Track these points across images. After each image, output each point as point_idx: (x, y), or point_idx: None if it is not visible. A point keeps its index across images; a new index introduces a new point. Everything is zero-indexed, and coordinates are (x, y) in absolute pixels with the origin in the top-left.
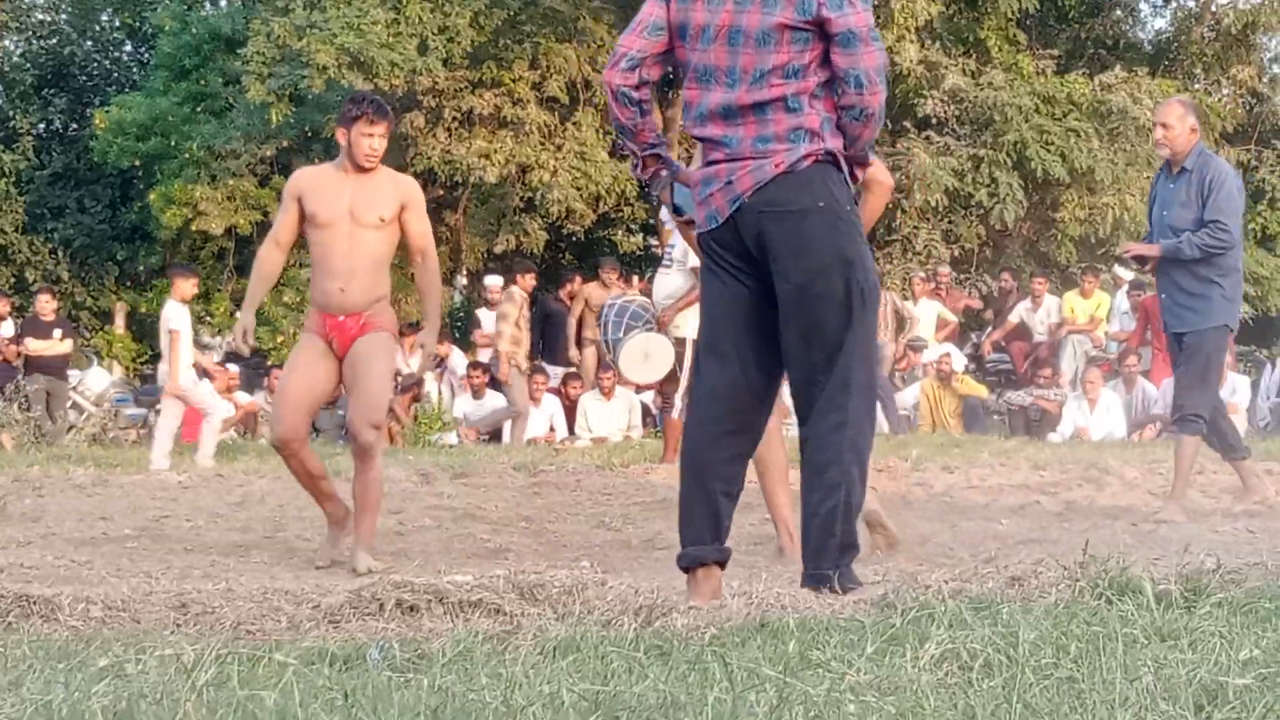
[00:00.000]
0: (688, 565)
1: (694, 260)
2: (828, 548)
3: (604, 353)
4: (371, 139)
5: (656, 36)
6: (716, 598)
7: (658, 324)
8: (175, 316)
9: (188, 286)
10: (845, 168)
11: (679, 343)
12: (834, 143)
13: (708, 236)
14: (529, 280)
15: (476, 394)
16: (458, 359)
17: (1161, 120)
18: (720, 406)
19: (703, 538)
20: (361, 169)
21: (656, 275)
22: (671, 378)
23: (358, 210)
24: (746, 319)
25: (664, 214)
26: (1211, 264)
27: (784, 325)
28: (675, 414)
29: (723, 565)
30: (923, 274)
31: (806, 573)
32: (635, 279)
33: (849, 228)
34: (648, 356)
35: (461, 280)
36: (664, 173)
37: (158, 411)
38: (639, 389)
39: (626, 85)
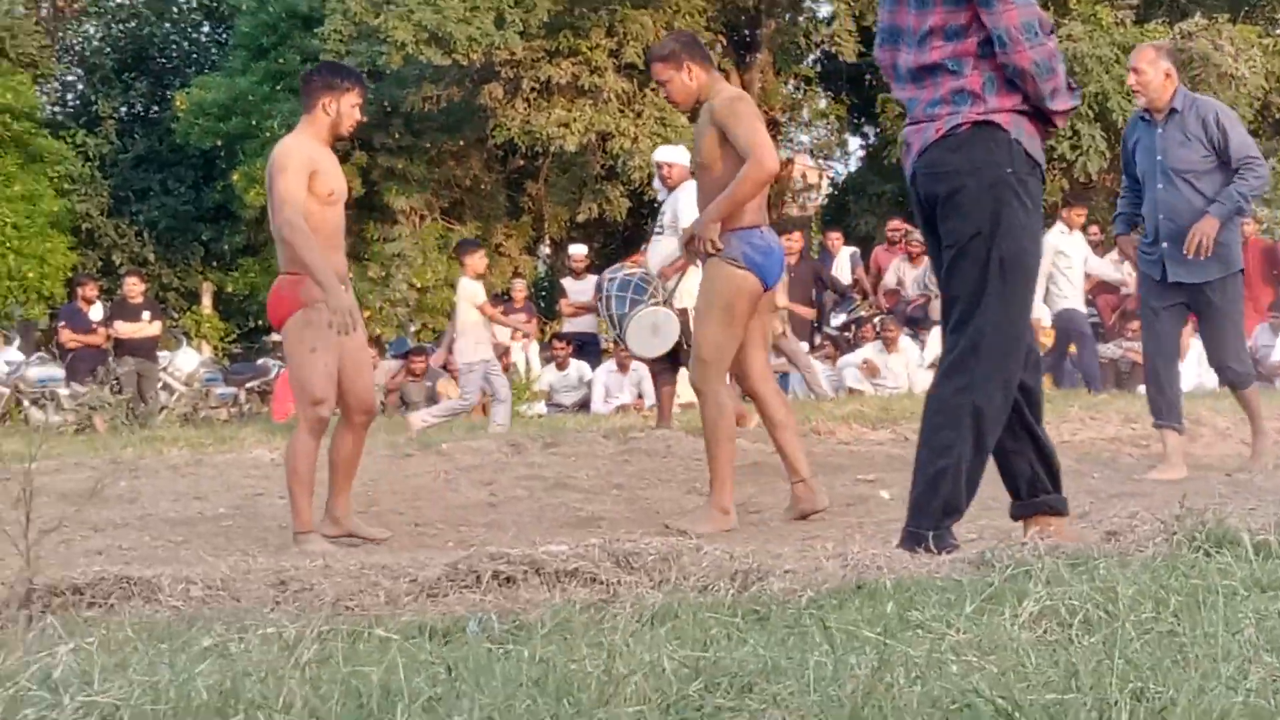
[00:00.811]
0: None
1: (686, 224)
2: (930, 507)
3: (608, 325)
4: (357, 110)
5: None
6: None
7: (659, 281)
8: (475, 292)
9: (478, 261)
10: (1015, 127)
11: (682, 313)
12: (1001, 102)
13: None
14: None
15: (560, 365)
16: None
17: (1134, 65)
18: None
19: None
20: (337, 140)
21: (650, 243)
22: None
23: (341, 186)
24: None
25: (655, 184)
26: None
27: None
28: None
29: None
30: None
31: (906, 529)
32: None
33: (1005, 191)
34: (656, 330)
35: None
36: None
37: (248, 390)
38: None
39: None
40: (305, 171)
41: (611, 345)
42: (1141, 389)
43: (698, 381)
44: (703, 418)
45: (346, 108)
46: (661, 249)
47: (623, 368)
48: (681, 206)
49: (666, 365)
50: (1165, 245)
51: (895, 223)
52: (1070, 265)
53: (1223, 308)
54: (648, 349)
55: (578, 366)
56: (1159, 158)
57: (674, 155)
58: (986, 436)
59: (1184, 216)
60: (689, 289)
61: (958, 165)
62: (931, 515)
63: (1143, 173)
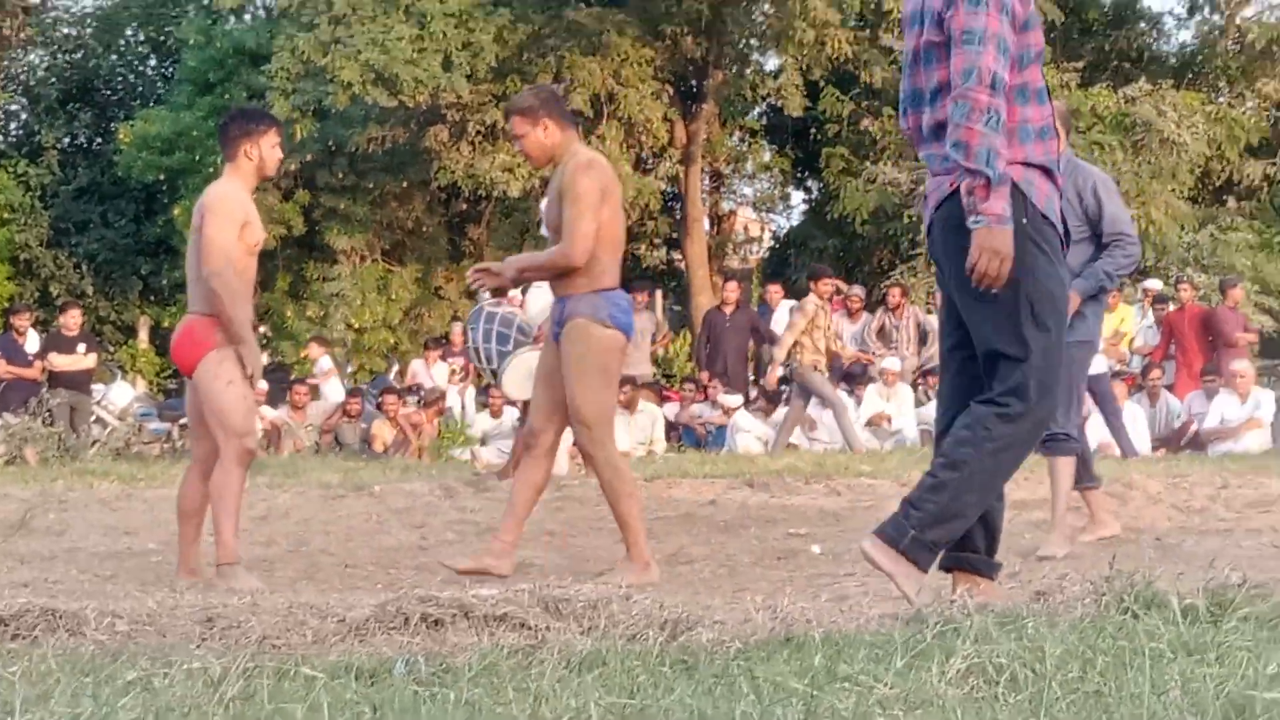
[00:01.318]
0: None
1: None
2: (921, 507)
3: (473, 361)
4: (278, 149)
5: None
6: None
7: (536, 340)
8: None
9: (824, 287)
10: (1025, 180)
11: None
12: (1012, 154)
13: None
14: (823, 286)
15: (494, 413)
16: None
17: None
18: None
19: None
20: (264, 180)
21: (531, 290)
22: None
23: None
24: None
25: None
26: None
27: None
28: None
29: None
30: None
31: (884, 522)
32: (659, 293)
33: (1023, 240)
34: (532, 374)
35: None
36: None
37: (182, 426)
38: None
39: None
40: (238, 222)
41: (620, 388)
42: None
43: (587, 446)
44: (600, 481)
45: (267, 150)
46: (543, 297)
47: (630, 408)
48: None
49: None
50: None
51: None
52: None
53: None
54: (524, 391)
55: (510, 414)
56: None
57: None
58: (1000, 474)
59: None
60: None
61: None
62: (917, 518)
63: None
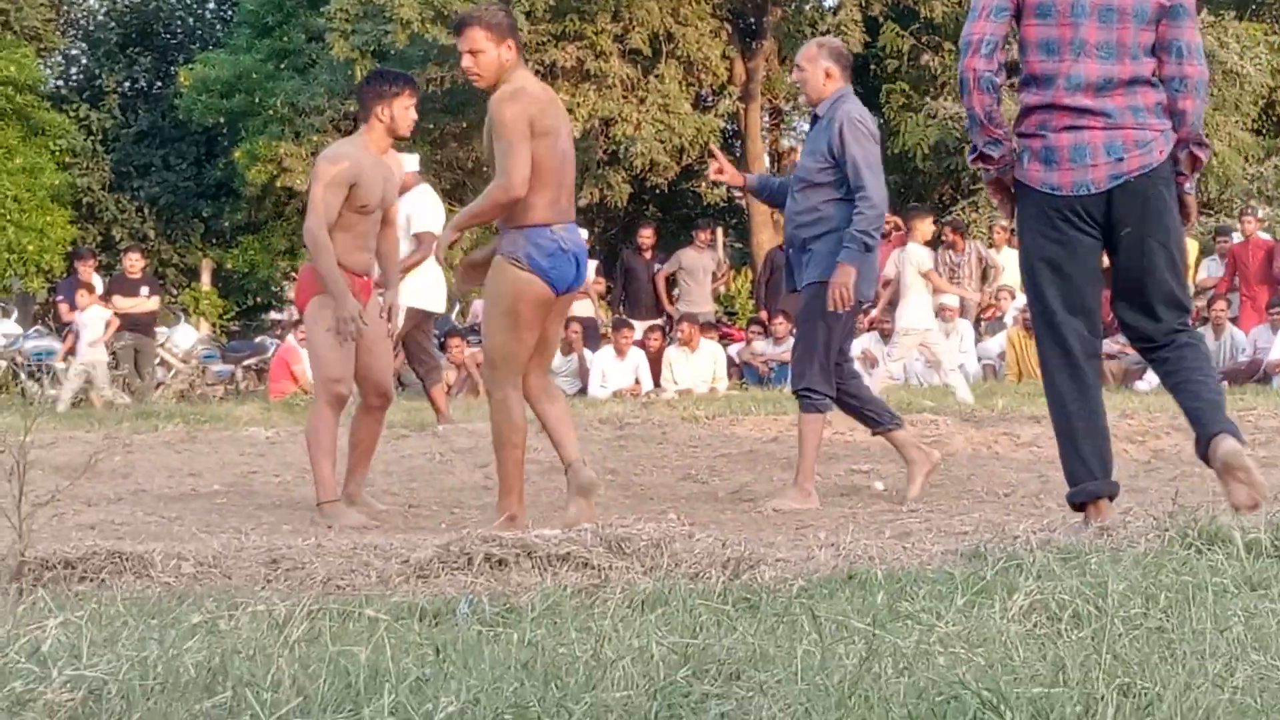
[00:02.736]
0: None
1: (417, 226)
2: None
3: None
4: (411, 110)
5: (1002, 18)
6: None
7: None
8: (923, 258)
9: (927, 226)
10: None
11: (409, 312)
12: None
13: (1073, 200)
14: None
15: (564, 350)
16: None
17: (796, 62)
18: (1091, 355)
19: (1095, 473)
20: (396, 142)
21: None
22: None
23: (388, 196)
24: (1097, 275)
25: None
26: (822, 223)
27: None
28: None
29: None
30: (1004, 223)
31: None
32: (720, 230)
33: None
34: None
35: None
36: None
37: (245, 368)
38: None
39: (990, 70)
40: (343, 185)
41: (610, 331)
42: (1139, 384)
43: (487, 384)
44: (492, 421)
45: (399, 110)
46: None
47: (620, 353)
48: (410, 209)
49: (432, 364)
50: (790, 251)
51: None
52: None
53: (800, 317)
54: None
55: (582, 354)
56: (801, 160)
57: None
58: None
59: (792, 222)
60: (415, 286)
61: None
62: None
63: (791, 180)
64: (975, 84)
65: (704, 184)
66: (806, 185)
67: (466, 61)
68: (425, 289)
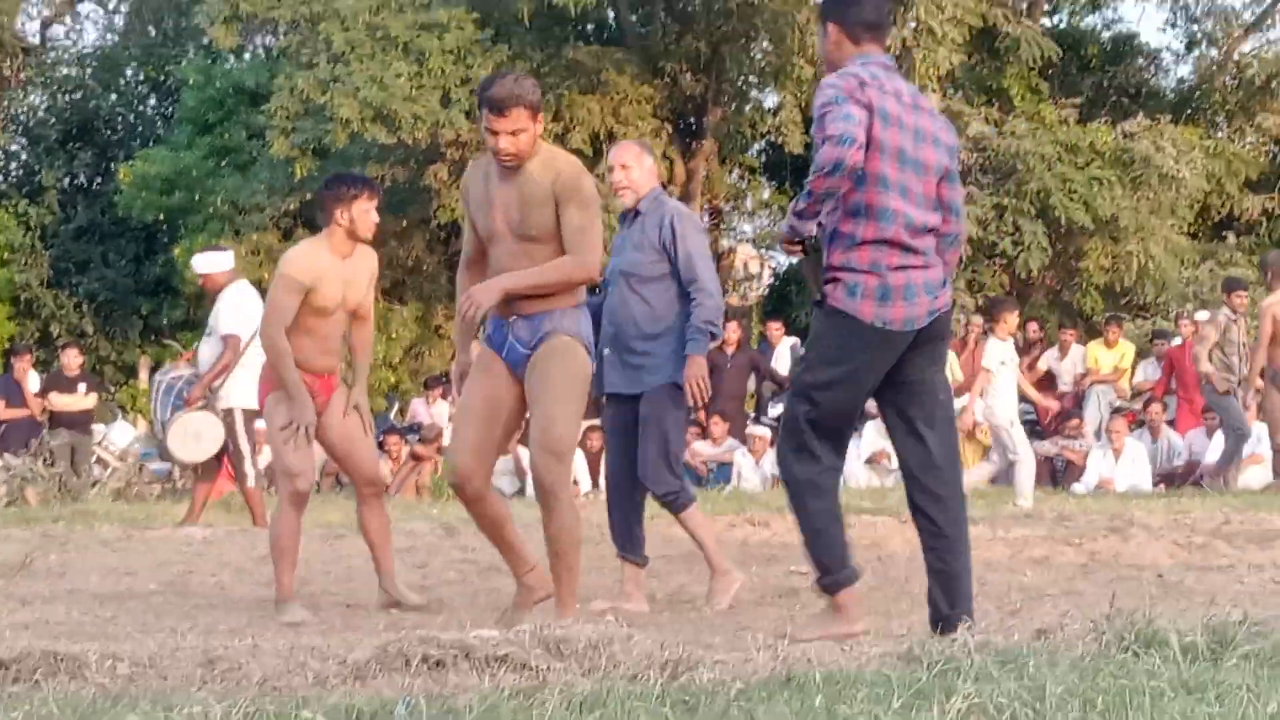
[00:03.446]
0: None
1: (225, 328)
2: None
3: (156, 432)
4: (371, 212)
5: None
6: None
7: (187, 402)
8: (1006, 352)
9: (1012, 319)
10: None
11: (227, 414)
12: None
13: (900, 334)
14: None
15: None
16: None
17: (620, 161)
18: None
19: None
20: (356, 244)
21: (202, 343)
22: (234, 450)
23: (350, 297)
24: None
25: None
26: (658, 321)
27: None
28: (251, 482)
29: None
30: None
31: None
32: None
33: None
34: (198, 435)
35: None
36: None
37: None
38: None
39: (858, 162)
40: (300, 290)
41: None
42: (1076, 486)
43: (556, 481)
44: (563, 524)
45: (359, 213)
46: (211, 352)
47: None
48: (219, 310)
49: (212, 464)
50: (606, 351)
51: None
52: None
53: (648, 419)
54: (190, 453)
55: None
56: (614, 258)
57: (211, 264)
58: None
59: (625, 324)
60: (234, 390)
61: None
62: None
63: (608, 275)
64: (846, 174)
65: None
66: (635, 280)
67: (505, 143)
68: (252, 388)
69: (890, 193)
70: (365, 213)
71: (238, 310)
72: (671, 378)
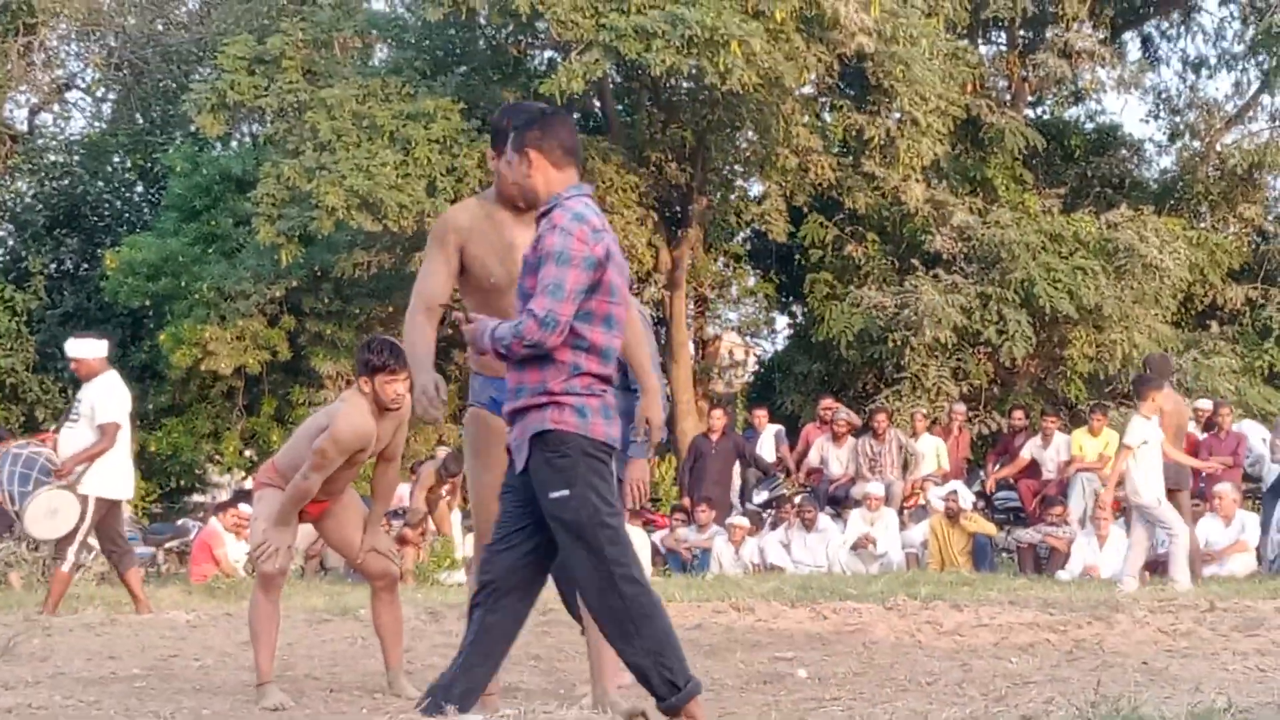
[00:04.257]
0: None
1: (100, 417)
2: None
3: (4, 503)
4: (395, 386)
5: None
6: None
7: (57, 475)
8: (1152, 431)
9: (1159, 398)
10: None
11: (82, 499)
12: None
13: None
14: None
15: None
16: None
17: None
18: None
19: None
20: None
21: (63, 430)
22: (73, 531)
23: (376, 447)
24: None
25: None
26: None
27: None
28: (66, 567)
29: None
30: (923, 410)
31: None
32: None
33: None
34: (55, 513)
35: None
36: None
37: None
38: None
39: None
40: (349, 452)
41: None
42: (1060, 574)
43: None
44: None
45: (380, 387)
46: (76, 439)
47: None
48: (95, 398)
49: (124, 550)
50: None
51: (827, 401)
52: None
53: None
54: (44, 530)
55: None
56: None
57: (84, 351)
58: None
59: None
60: (95, 475)
61: None
62: None
63: None
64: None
65: None
66: None
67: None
68: (112, 478)
69: (612, 331)
70: (388, 385)
71: (111, 398)
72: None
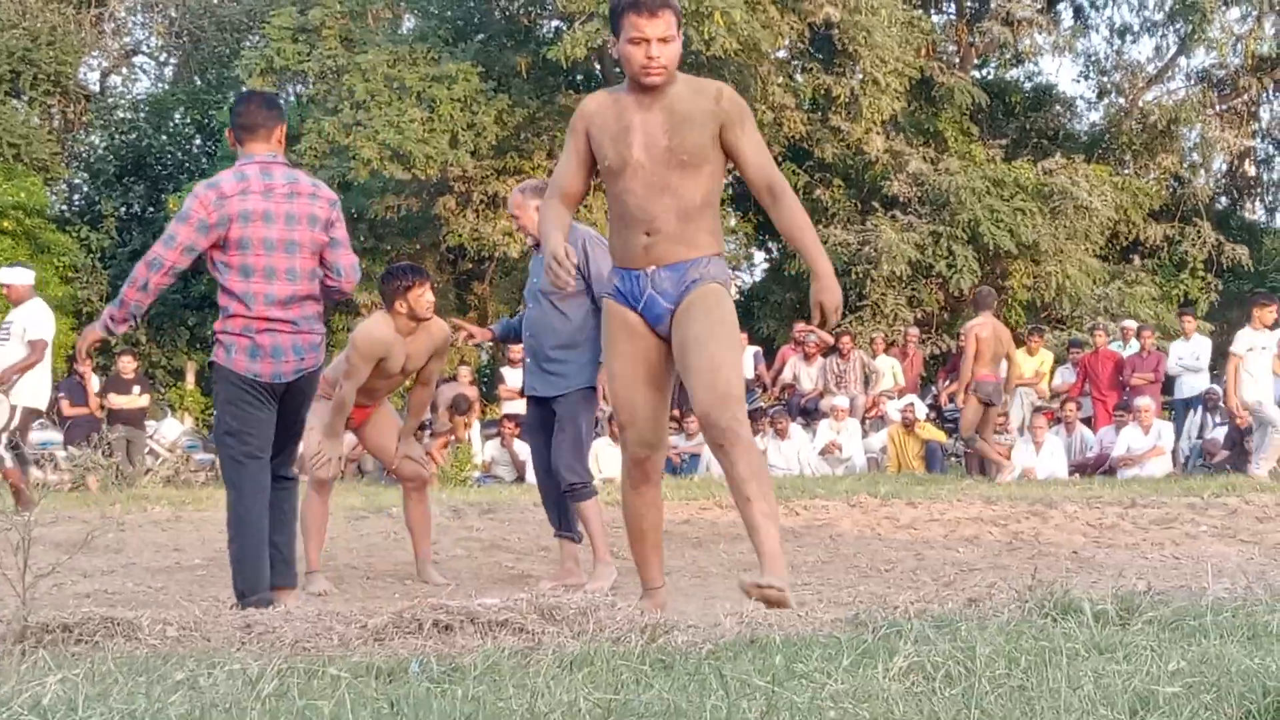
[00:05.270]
0: None
1: (35, 334)
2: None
3: None
4: (425, 296)
5: (191, 255)
6: None
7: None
8: (1247, 339)
9: (1268, 313)
10: None
11: (11, 408)
12: None
13: (268, 384)
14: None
15: (504, 442)
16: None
17: (511, 214)
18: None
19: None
20: (418, 322)
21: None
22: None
23: (410, 366)
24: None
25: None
26: (575, 333)
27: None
28: (9, 464)
29: None
30: (882, 334)
31: None
32: None
33: None
34: None
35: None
36: None
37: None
38: None
39: (161, 285)
40: (372, 360)
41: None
42: (1001, 476)
43: (738, 425)
44: (747, 467)
45: (414, 300)
46: (7, 354)
47: (616, 438)
48: (26, 319)
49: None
50: (528, 360)
51: (800, 326)
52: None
53: (563, 419)
54: None
55: (520, 446)
56: (534, 279)
57: (14, 278)
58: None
59: (544, 335)
60: (23, 386)
61: None
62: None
63: (525, 297)
64: (148, 290)
65: None
66: (555, 298)
67: (656, 51)
68: (37, 390)
69: (254, 278)
70: (419, 298)
71: (40, 320)
72: (586, 383)
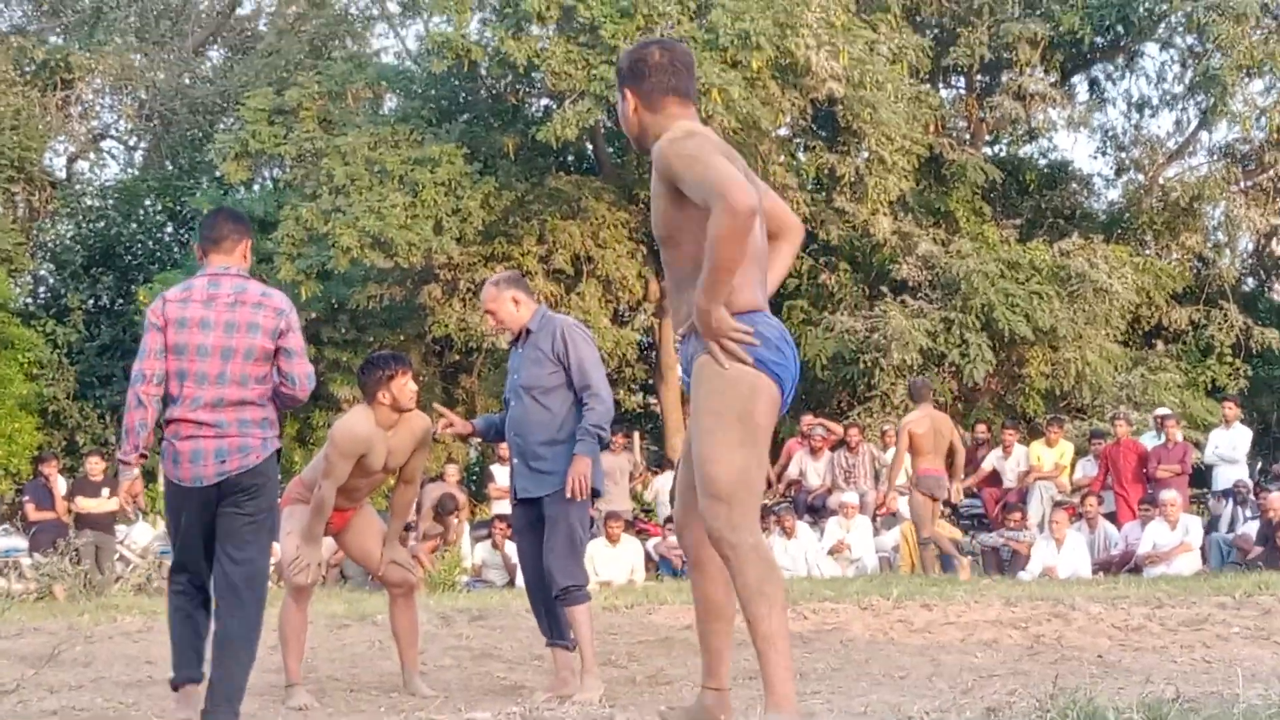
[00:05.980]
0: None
1: None
2: None
3: None
4: (408, 385)
5: (162, 357)
6: None
7: None
8: None
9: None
10: None
11: None
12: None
13: (190, 489)
14: None
15: (496, 544)
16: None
17: (486, 309)
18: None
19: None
20: (400, 414)
21: None
22: None
23: (392, 462)
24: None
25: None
26: (560, 427)
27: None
28: None
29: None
30: (893, 426)
31: None
32: (637, 435)
33: None
34: None
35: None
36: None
37: None
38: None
39: (157, 394)
40: (353, 455)
41: (608, 523)
42: (1021, 574)
43: (722, 529)
44: (739, 583)
45: (397, 390)
46: None
47: (612, 541)
48: None
49: None
50: (515, 461)
51: (807, 419)
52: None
53: (555, 518)
54: None
55: (511, 548)
56: (515, 376)
57: None
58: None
59: (529, 431)
60: None
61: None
62: None
63: (506, 397)
64: (143, 404)
65: (622, 391)
66: (537, 392)
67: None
68: None
69: (186, 382)
70: (403, 387)
71: None
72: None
